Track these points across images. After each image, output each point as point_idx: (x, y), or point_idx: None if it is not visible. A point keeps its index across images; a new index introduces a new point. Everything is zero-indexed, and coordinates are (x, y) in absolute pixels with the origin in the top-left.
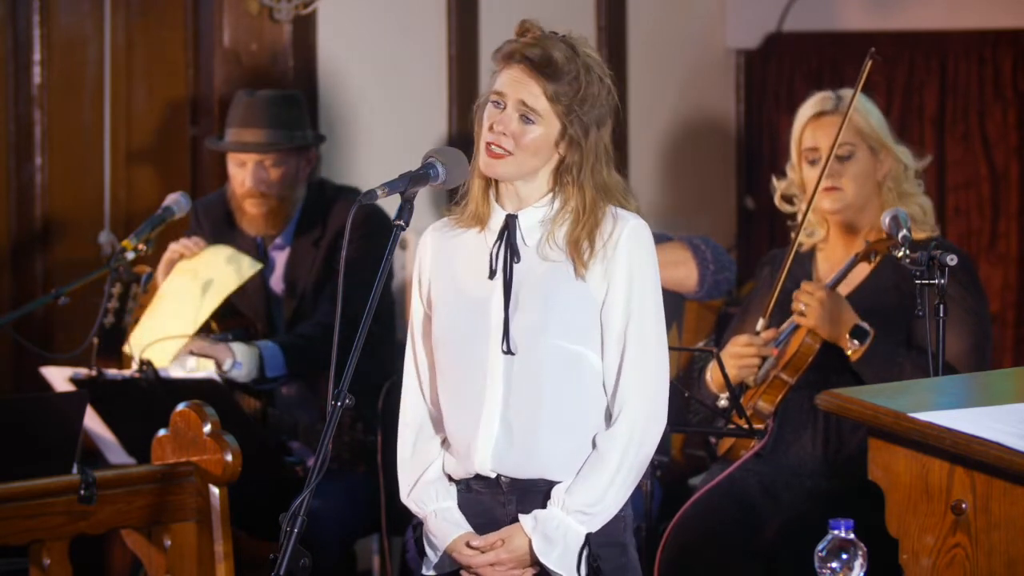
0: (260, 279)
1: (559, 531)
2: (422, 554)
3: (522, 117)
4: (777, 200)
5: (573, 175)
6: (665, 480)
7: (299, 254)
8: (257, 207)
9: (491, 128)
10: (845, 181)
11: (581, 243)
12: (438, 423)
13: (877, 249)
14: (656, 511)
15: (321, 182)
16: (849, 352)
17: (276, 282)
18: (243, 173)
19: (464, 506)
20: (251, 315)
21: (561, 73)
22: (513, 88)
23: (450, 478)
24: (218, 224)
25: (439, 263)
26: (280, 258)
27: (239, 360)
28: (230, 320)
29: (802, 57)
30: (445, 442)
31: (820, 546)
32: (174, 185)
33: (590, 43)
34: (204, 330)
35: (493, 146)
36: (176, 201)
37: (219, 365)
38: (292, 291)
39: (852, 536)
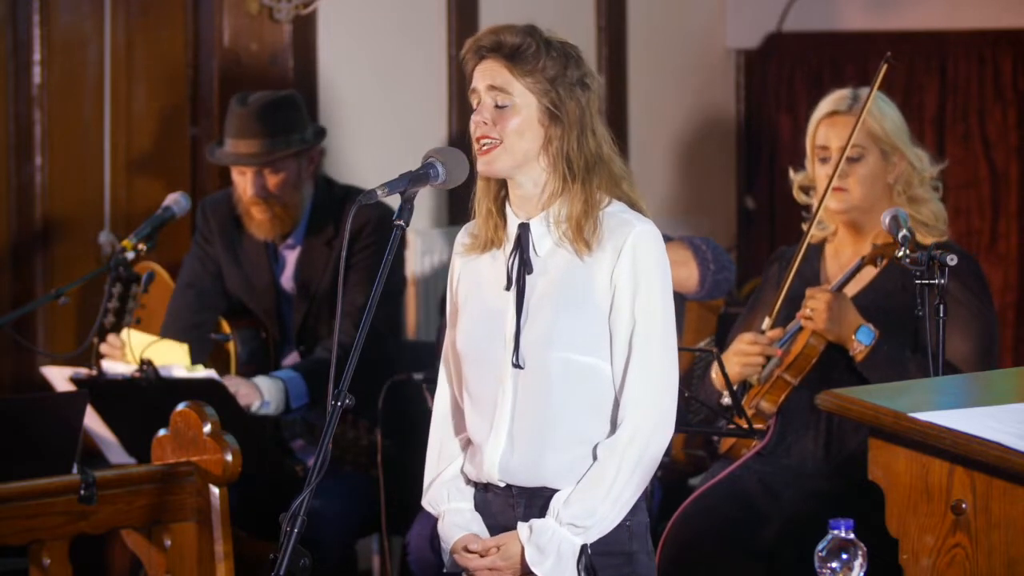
0: (270, 277)
1: (552, 542)
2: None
3: (496, 102)
4: (795, 191)
5: (557, 147)
6: (665, 480)
7: (311, 254)
8: (263, 213)
9: (476, 125)
10: (852, 182)
11: (582, 224)
12: (463, 422)
13: (884, 254)
14: (656, 511)
15: (328, 180)
16: (854, 353)
17: (287, 280)
18: (244, 181)
19: (481, 507)
20: (261, 315)
21: (519, 49)
22: (481, 79)
23: (468, 479)
24: (225, 225)
25: (467, 267)
26: (291, 257)
27: (267, 399)
28: (240, 320)
29: (802, 57)
30: (469, 442)
31: (820, 546)
32: (174, 185)
33: (582, 44)
34: (213, 331)
35: (482, 140)
36: (176, 201)
37: (248, 407)
38: (304, 292)
39: (852, 536)
